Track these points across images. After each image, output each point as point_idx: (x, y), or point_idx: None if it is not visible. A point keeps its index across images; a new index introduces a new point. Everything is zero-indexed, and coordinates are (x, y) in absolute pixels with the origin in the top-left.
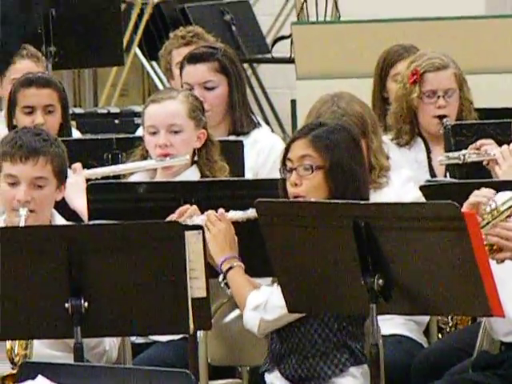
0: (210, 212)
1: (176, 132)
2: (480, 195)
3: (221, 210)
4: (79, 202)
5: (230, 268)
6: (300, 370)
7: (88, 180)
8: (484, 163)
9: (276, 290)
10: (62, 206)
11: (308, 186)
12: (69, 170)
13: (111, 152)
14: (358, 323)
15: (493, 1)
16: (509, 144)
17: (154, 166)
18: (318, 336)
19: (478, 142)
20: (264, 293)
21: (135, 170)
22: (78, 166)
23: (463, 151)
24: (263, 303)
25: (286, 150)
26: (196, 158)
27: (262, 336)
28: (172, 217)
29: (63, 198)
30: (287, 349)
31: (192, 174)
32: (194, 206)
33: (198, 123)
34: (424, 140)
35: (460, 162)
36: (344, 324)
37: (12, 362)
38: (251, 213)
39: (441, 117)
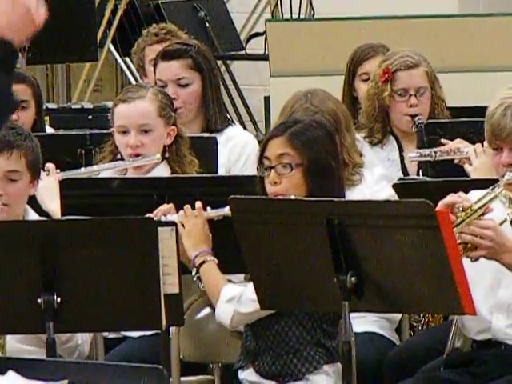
0: (188, 207)
1: (146, 131)
2: (455, 195)
3: (198, 204)
4: (52, 204)
5: (204, 262)
6: (274, 366)
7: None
8: (455, 161)
9: (251, 284)
10: (35, 208)
11: (287, 184)
12: (42, 172)
13: (84, 148)
14: (332, 321)
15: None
16: (482, 143)
17: (126, 165)
18: (293, 334)
19: (450, 145)
20: (239, 286)
21: (108, 170)
22: (51, 166)
23: (434, 149)
24: (238, 296)
25: (263, 149)
26: (166, 155)
27: (234, 329)
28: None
29: (36, 200)
30: (262, 346)
31: (162, 171)
32: (171, 205)
33: (168, 120)
34: (396, 138)
35: (431, 160)
36: (318, 322)
37: None
38: (227, 210)
39: (413, 115)
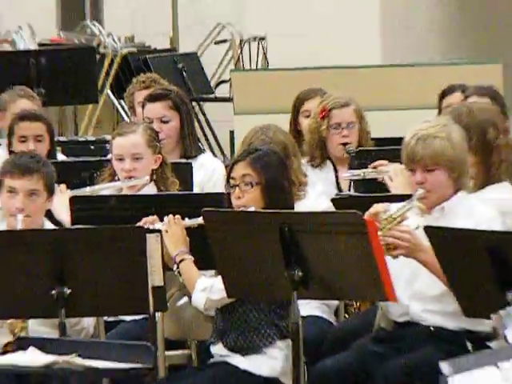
0: (169, 216)
1: (138, 159)
2: (378, 206)
3: (177, 216)
4: (64, 215)
5: (182, 260)
6: (238, 342)
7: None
8: (379, 179)
9: (219, 277)
10: (50, 218)
11: (249, 199)
12: (56, 188)
13: (88, 171)
14: (284, 306)
15: (387, 53)
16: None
17: (121, 185)
18: (253, 316)
19: (377, 163)
20: (210, 278)
21: (107, 189)
22: (63, 186)
23: (363, 169)
24: (209, 286)
25: (230, 171)
26: (154, 177)
27: (207, 313)
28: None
29: (51, 212)
30: (228, 326)
31: (150, 190)
32: (155, 216)
33: (155, 150)
34: (332, 162)
35: (360, 178)
36: (273, 307)
37: (13, 333)
38: (201, 220)
39: (344, 144)
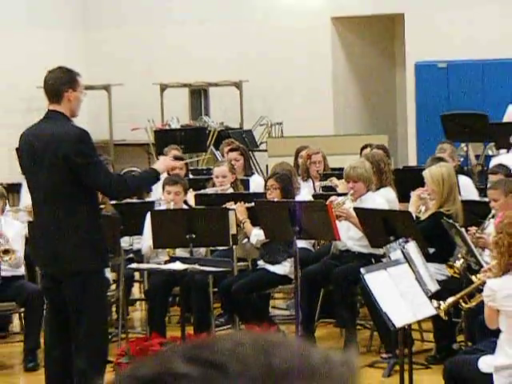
0: (238, 203)
1: (224, 177)
2: (332, 198)
3: (242, 202)
4: (192, 202)
5: (245, 222)
6: (271, 258)
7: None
8: (333, 186)
9: (262, 230)
10: (186, 204)
11: (274, 195)
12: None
13: (203, 182)
14: (290, 243)
15: (338, 124)
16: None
17: (217, 189)
18: (276, 246)
19: (332, 180)
20: (258, 229)
21: (211, 191)
22: (191, 190)
23: (326, 181)
24: (258, 233)
25: (266, 183)
26: (232, 185)
27: (256, 246)
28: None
29: (186, 201)
30: (266, 251)
31: (230, 191)
32: (232, 201)
33: (232, 173)
34: (311, 179)
35: (324, 185)
36: (287, 242)
37: (168, 255)
38: (253, 204)
39: (317, 170)
